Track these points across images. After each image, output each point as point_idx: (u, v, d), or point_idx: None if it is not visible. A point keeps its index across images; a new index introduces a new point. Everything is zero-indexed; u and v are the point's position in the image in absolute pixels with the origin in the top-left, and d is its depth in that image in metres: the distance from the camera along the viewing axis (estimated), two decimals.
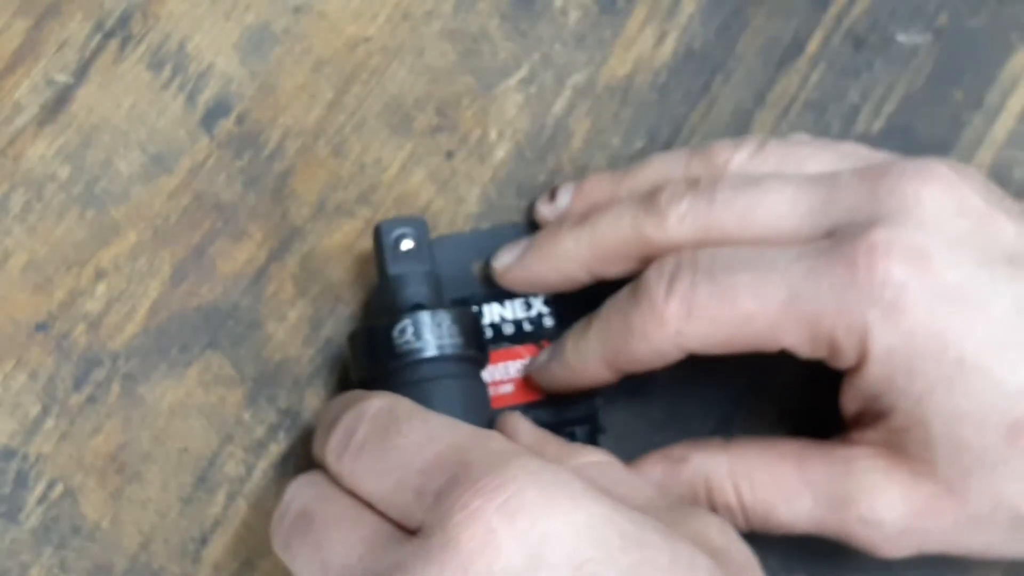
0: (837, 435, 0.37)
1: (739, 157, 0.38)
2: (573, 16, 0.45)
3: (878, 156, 0.38)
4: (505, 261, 0.40)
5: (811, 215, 0.35)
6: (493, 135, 0.44)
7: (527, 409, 0.40)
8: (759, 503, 0.36)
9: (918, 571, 0.39)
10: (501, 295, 0.41)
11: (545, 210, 0.41)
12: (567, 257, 0.39)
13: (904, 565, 0.39)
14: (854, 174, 0.36)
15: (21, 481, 0.40)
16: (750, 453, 0.36)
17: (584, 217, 0.39)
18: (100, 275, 0.42)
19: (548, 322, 0.41)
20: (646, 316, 0.35)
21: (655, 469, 0.37)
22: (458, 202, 0.43)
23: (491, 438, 0.31)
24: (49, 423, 0.41)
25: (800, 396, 0.41)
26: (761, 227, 0.36)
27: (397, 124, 0.44)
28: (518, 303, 0.41)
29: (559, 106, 0.44)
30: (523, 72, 0.44)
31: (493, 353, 0.40)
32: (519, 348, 0.40)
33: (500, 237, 0.42)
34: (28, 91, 0.44)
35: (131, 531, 0.40)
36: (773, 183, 0.36)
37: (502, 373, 0.40)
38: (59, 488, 0.40)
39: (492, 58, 0.45)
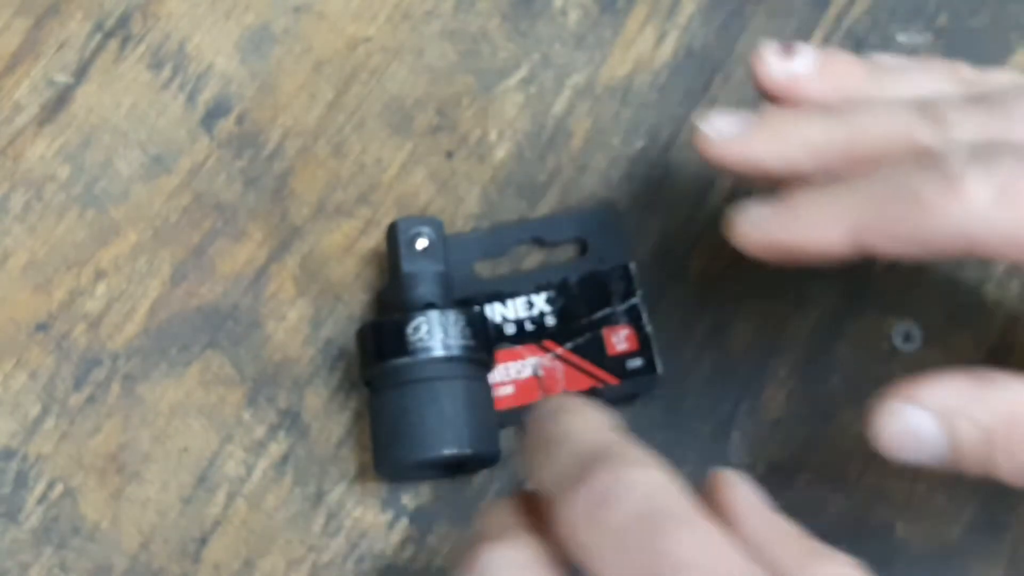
0: None
1: None
2: (573, 16, 0.45)
3: None
4: (722, 128, 0.34)
5: None
6: (493, 135, 0.44)
7: (527, 410, 0.40)
8: None
9: (918, 570, 0.39)
10: (503, 295, 0.41)
11: (777, 65, 0.35)
12: (807, 144, 0.33)
13: (904, 563, 0.39)
14: None
15: (21, 481, 0.40)
16: None
17: (833, 106, 0.34)
18: (100, 275, 0.42)
19: (550, 321, 0.41)
20: (941, 185, 0.30)
21: (959, 384, 0.31)
22: (458, 202, 0.43)
23: None
24: (49, 423, 0.41)
25: (800, 395, 0.41)
26: None
27: (397, 124, 0.44)
28: (520, 302, 0.41)
29: (559, 106, 0.44)
30: (523, 72, 0.44)
31: (496, 353, 0.40)
32: (520, 348, 0.40)
33: (501, 237, 0.42)
34: (28, 91, 0.44)
35: (131, 531, 0.40)
36: None
37: (503, 374, 0.40)
38: (59, 488, 0.40)
39: (492, 58, 0.45)
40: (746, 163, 0.34)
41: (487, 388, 0.39)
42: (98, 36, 0.45)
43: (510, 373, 0.40)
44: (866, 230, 0.31)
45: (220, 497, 0.40)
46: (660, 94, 0.44)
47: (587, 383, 0.40)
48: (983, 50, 0.44)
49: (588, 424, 0.29)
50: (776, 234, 0.32)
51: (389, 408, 0.37)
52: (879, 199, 0.31)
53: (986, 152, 0.30)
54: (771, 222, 0.32)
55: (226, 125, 0.44)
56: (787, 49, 0.35)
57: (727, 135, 0.34)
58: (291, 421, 0.41)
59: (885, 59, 0.36)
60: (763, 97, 0.35)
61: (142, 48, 0.45)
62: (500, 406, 0.39)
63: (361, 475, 0.40)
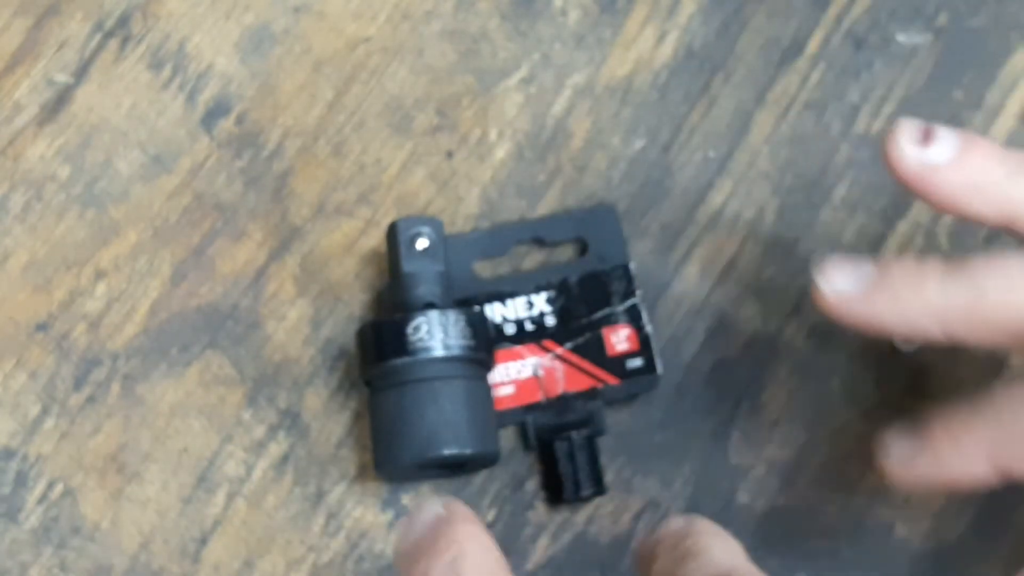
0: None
1: None
2: (573, 16, 0.45)
3: None
4: (841, 286, 0.33)
5: None
6: (493, 135, 0.44)
7: (528, 411, 0.40)
8: None
9: (918, 570, 0.39)
10: (503, 295, 0.41)
11: (912, 152, 0.32)
12: (928, 309, 0.32)
13: (904, 563, 0.39)
14: None
15: (21, 481, 0.40)
16: None
17: (958, 263, 0.32)
18: (100, 275, 0.42)
19: (550, 321, 0.41)
20: None
21: None
22: (458, 202, 0.43)
23: None
24: (49, 423, 0.41)
25: (800, 395, 0.41)
26: None
27: (397, 124, 0.44)
28: (520, 302, 0.41)
29: (559, 106, 0.44)
30: (523, 72, 0.44)
31: (496, 353, 0.40)
32: (520, 348, 0.40)
33: (501, 237, 0.42)
34: (28, 91, 0.44)
35: (131, 531, 0.40)
36: None
37: (503, 374, 0.40)
38: (59, 488, 0.40)
39: (492, 58, 0.45)
40: (868, 323, 0.33)
41: (487, 388, 0.39)
42: (98, 36, 0.45)
43: (510, 373, 0.40)
44: (1007, 462, 0.31)
45: (220, 497, 0.40)
46: (660, 94, 0.44)
47: (587, 383, 0.40)
48: (983, 50, 0.44)
49: (727, 546, 0.30)
50: (922, 473, 0.33)
51: (389, 408, 0.37)
52: (1016, 430, 0.31)
53: None
54: (916, 461, 0.33)
55: (226, 125, 0.44)
56: (925, 135, 0.33)
57: (846, 294, 0.33)
58: (291, 421, 0.41)
59: None
60: (893, 178, 0.33)
61: (142, 48, 0.45)
62: (500, 406, 0.39)
63: (361, 475, 0.40)
